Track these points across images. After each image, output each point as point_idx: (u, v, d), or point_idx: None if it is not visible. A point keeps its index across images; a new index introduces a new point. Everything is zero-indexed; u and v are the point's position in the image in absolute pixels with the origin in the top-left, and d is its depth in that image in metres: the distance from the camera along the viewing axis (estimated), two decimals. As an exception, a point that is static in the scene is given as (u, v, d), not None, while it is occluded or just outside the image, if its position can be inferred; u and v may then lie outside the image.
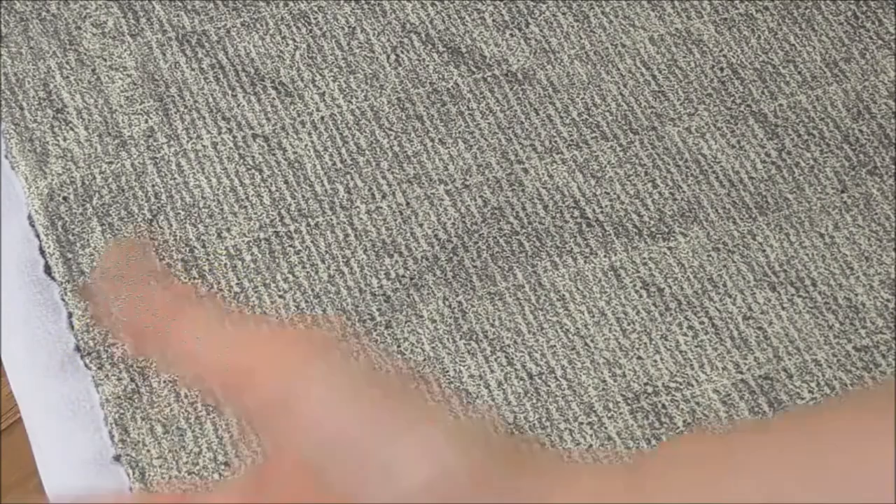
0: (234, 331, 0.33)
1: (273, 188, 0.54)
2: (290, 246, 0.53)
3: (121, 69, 0.57)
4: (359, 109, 0.56)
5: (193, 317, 0.34)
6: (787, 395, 0.50)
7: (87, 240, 0.53)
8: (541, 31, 0.58)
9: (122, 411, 0.49)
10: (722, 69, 0.57)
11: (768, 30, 0.59)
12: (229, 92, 0.56)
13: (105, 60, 0.57)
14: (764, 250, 0.53)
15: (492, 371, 0.50)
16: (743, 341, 0.51)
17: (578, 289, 0.52)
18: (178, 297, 0.35)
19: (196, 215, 0.53)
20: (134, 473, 0.48)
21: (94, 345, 0.50)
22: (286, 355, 0.33)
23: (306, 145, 0.55)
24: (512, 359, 0.50)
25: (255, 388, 0.32)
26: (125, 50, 0.57)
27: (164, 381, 0.50)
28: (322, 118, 0.56)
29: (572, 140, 0.56)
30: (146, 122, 0.55)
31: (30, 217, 0.53)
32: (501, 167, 0.55)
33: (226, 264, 0.52)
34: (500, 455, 0.32)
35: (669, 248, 0.53)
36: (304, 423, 0.32)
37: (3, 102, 0.56)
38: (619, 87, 0.57)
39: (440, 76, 0.57)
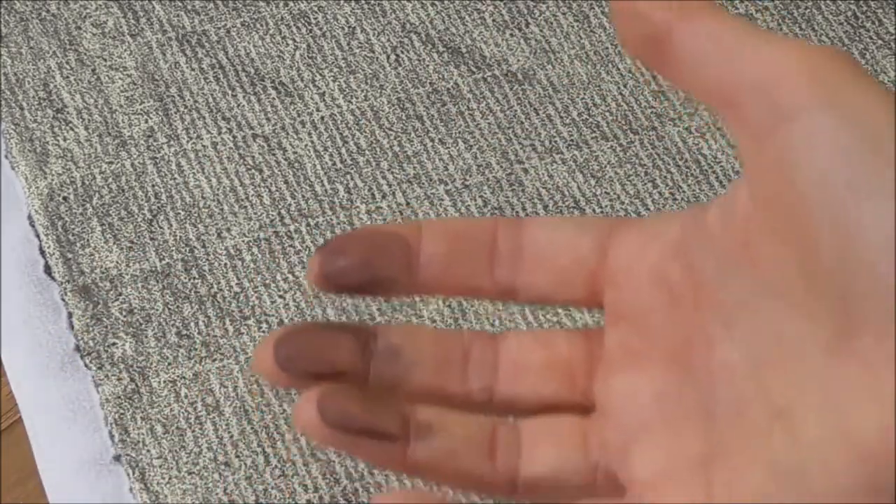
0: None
1: (273, 188, 0.54)
2: (290, 246, 0.53)
3: (121, 69, 0.57)
4: (359, 109, 0.56)
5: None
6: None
7: (87, 240, 0.53)
8: (541, 31, 0.58)
9: (122, 411, 0.49)
10: (722, 69, 0.57)
11: (769, 29, 0.59)
12: (229, 92, 0.56)
13: (105, 60, 0.57)
14: (764, 250, 0.53)
15: (492, 371, 0.50)
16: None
17: (578, 289, 0.52)
18: None
19: (196, 215, 0.53)
20: (134, 473, 0.48)
21: (94, 345, 0.50)
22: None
23: (306, 145, 0.55)
24: (512, 359, 0.50)
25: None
26: (125, 50, 0.57)
27: (164, 381, 0.50)
28: (322, 118, 0.56)
29: (572, 140, 0.56)
30: (146, 122, 0.55)
31: (30, 217, 0.53)
32: (501, 167, 0.55)
33: (226, 264, 0.52)
34: None
35: (669, 248, 0.53)
36: None
37: (3, 102, 0.56)
38: (619, 87, 0.57)
39: (440, 76, 0.57)
